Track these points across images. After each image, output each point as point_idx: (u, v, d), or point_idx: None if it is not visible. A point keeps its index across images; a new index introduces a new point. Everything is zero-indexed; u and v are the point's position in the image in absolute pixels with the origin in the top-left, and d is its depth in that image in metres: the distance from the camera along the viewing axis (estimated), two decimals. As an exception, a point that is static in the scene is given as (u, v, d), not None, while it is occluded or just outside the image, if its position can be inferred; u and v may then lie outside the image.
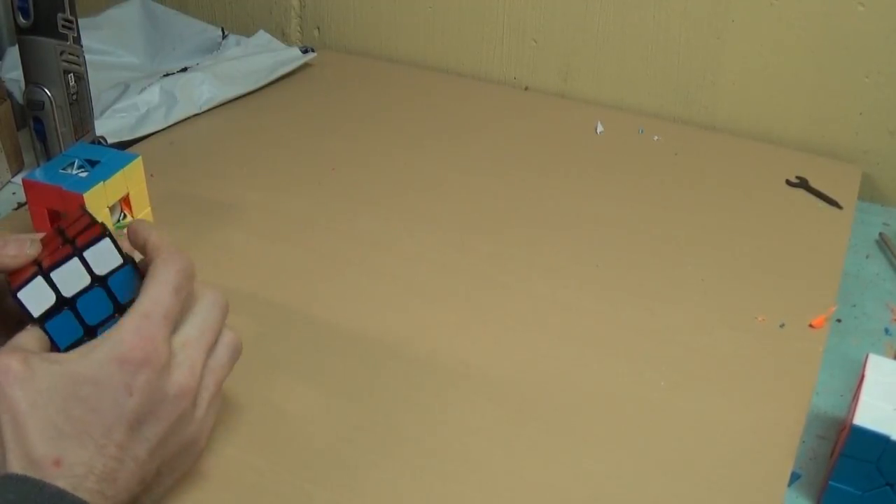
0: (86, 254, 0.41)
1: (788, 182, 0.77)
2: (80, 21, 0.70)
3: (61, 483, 0.35)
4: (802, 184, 0.77)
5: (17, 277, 0.41)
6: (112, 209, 0.63)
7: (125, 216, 0.65)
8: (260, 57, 0.96)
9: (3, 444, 0.36)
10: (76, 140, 0.72)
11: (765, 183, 0.77)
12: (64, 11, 0.68)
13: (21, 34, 0.67)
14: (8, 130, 0.77)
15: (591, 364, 0.55)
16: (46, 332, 0.41)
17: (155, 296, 0.40)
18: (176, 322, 0.40)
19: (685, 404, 0.52)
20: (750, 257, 0.66)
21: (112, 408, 0.37)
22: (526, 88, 0.98)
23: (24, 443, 0.36)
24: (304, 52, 0.99)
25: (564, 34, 0.92)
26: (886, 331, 0.61)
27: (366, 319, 0.58)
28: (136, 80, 0.90)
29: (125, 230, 0.44)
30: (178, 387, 0.39)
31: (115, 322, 0.40)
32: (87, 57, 0.72)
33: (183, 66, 0.93)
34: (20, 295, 0.40)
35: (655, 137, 0.85)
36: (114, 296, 0.42)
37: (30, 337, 0.40)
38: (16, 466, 0.35)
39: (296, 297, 0.60)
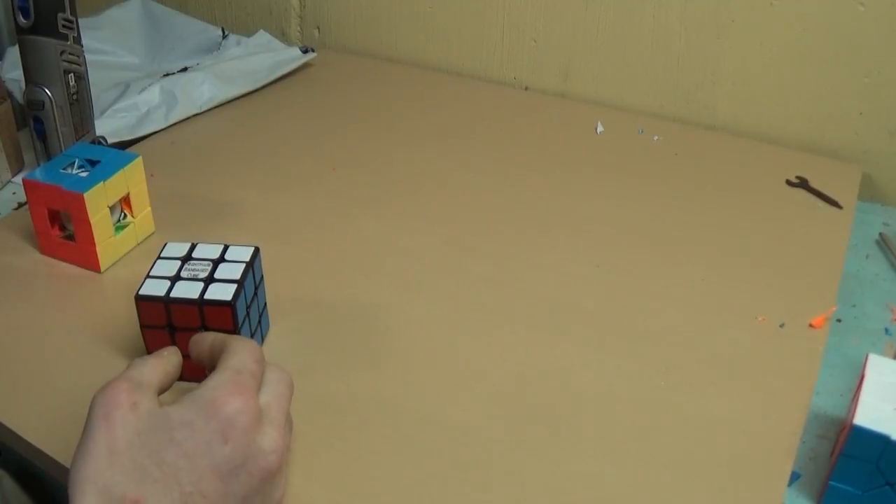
0: None
1: (788, 182, 0.77)
2: (80, 21, 0.70)
3: None
4: (802, 184, 0.77)
5: None
6: (112, 209, 0.63)
7: (125, 216, 0.65)
8: (260, 57, 0.96)
9: (93, 462, 0.36)
10: (76, 140, 0.72)
11: (765, 183, 0.77)
12: (64, 11, 0.68)
13: (21, 34, 0.67)
14: (8, 130, 0.77)
15: (591, 364, 0.55)
16: None
17: (242, 359, 0.41)
18: (259, 387, 0.41)
19: (685, 404, 0.52)
20: (750, 257, 0.66)
21: (205, 454, 0.36)
22: (526, 88, 0.98)
23: (110, 474, 0.35)
24: (304, 52, 0.99)
25: (564, 34, 0.92)
26: (886, 331, 0.61)
27: (365, 319, 0.58)
28: (137, 80, 0.90)
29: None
30: (271, 443, 0.39)
31: None
32: (87, 57, 0.72)
33: (183, 66, 0.93)
34: None
35: (655, 137, 0.85)
36: None
37: (153, 370, 0.41)
38: (92, 493, 0.35)
39: (295, 297, 0.60)
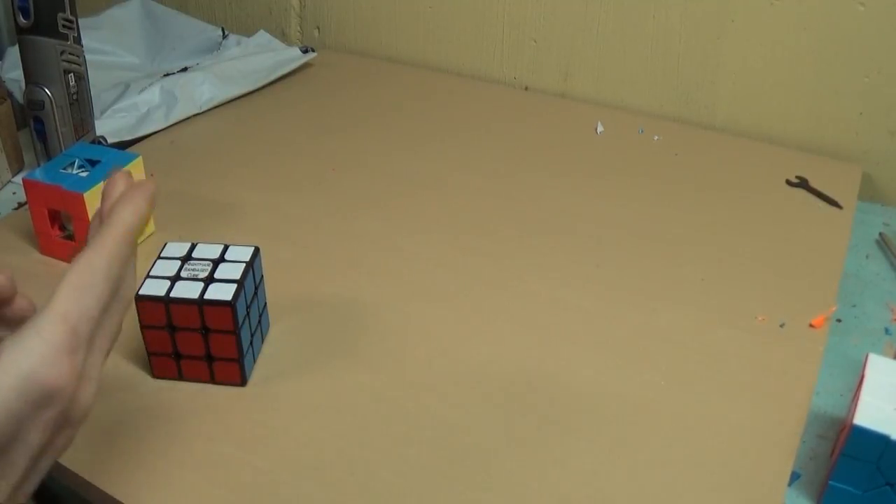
0: None
1: (788, 182, 0.77)
2: (80, 21, 0.70)
3: None
4: (802, 184, 0.77)
5: None
6: (112, 209, 0.63)
7: (125, 216, 0.65)
8: (260, 57, 0.96)
9: None
10: (76, 140, 0.72)
11: (765, 183, 0.77)
12: (64, 11, 0.68)
13: (21, 34, 0.67)
14: (8, 130, 0.77)
15: (592, 364, 0.55)
16: None
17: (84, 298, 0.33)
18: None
19: (685, 404, 0.52)
20: (750, 257, 0.66)
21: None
22: (526, 88, 0.98)
23: None
24: (304, 52, 0.99)
25: (564, 34, 0.92)
26: (886, 331, 0.61)
27: (365, 319, 0.58)
28: (137, 80, 0.90)
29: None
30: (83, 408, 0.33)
31: None
32: (87, 57, 0.72)
33: (183, 66, 0.93)
34: None
35: (655, 137, 0.85)
36: None
37: None
38: None
39: (295, 297, 0.60)
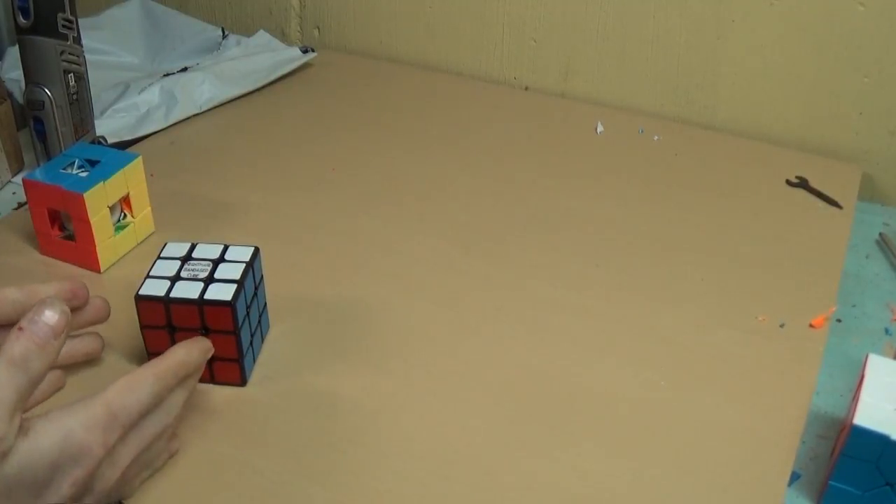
0: None
1: (788, 182, 0.77)
2: (80, 21, 0.70)
3: None
4: (802, 184, 0.77)
5: None
6: (112, 209, 0.63)
7: (125, 216, 0.65)
8: (260, 57, 0.96)
9: None
10: (76, 140, 0.72)
11: (765, 183, 0.77)
12: (64, 11, 0.68)
13: (21, 34, 0.67)
14: (8, 130, 0.77)
15: (592, 364, 0.55)
16: None
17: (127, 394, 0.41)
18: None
19: (685, 404, 0.52)
20: (750, 257, 0.66)
21: None
22: (526, 88, 0.97)
23: None
24: (304, 52, 0.99)
25: (564, 34, 0.92)
26: (886, 331, 0.61)
27: (365, 319, 0.58)
28: (136, 80, 0.90)
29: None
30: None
31: None
32: (87, 57, 0.72)
33: (183, 66, 0.93)
34: None
35: (655, 137, 0.85)
36: None
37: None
38: None
39: (295, 297, 0.60)
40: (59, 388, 0.49)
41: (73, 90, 0.71)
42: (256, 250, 0.53)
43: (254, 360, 0.53)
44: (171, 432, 0.45)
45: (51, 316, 0.38)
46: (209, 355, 0.47)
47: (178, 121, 0.86)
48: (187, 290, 0.49)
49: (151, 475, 0.45)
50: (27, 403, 0.38)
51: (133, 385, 0.41)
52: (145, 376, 0.41)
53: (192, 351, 0.45)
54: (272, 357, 0.54)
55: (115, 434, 0.39)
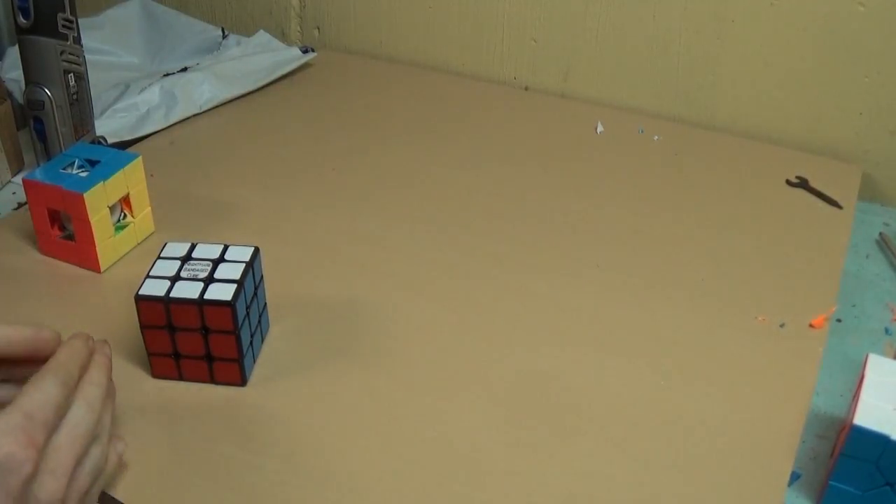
0: None
1: (788, 182, 0.77)
2: (80, 21, 0.70)
3: None
4: (802, 184, 0.77)
5: None
6: (112, 209, 0.63)
7: (125, 216, 0.65)
8: (260, 57, 0.96)
9: None
10: (76, 140, 0.72)
11: (765, 183, 0.77)
12: (64, 11, 0.68)
13: (21, 34, 0.67)
14: (8, 130, 0.77)
15: (591, 364, 0.55)
16: None
17: (40, 400, 0.39)
18: (49, 432, 0.39)
19: (685, 404, 0.52)
20: (750, 257, 0.66)
21: None
22: (526, 88, 0.98)
23: None
24: (304, 52, 0.99)
25: (564, 34, 0.92)
26: (886, 331, 0.61)
27: (365, 319, 0.58)
28: (136, 80, 0.90)
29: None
30: (47, 494, 0.38)
31: None
32: (87, 57, 0.72)
33: (183, 66, 0.93)
34: None
35: (655, 137, 0.85)
36: None
37: None
38: None
39: (295, 297, 0.60)
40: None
41: (73, 90, 0.71)
42: (256, 250, 0.53)
43: (254, 360, 0.53)
44: (111, 434, 0.43)
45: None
46: (91, 340, 0.45)
47: (178, 121, 0.86)
48: (187, 290, 0.49)
49: (107, 483, 0.43)
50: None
51: (36, 383, 0.40)
52: (44, 371, 0.41)
53: (76, 337, 0.44)
54: (272, 357, 0.54)
55: (38, 433, 0.38)
